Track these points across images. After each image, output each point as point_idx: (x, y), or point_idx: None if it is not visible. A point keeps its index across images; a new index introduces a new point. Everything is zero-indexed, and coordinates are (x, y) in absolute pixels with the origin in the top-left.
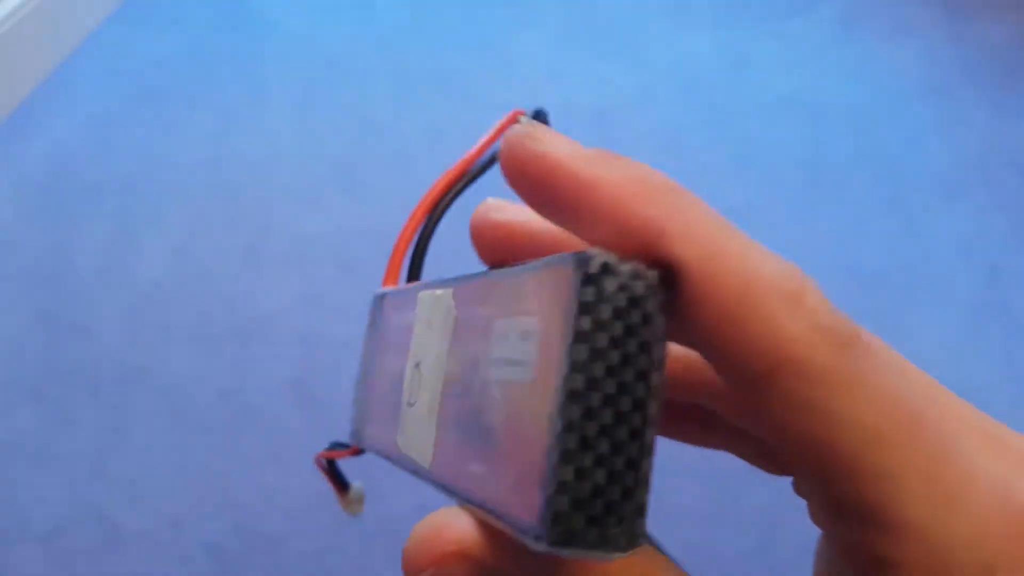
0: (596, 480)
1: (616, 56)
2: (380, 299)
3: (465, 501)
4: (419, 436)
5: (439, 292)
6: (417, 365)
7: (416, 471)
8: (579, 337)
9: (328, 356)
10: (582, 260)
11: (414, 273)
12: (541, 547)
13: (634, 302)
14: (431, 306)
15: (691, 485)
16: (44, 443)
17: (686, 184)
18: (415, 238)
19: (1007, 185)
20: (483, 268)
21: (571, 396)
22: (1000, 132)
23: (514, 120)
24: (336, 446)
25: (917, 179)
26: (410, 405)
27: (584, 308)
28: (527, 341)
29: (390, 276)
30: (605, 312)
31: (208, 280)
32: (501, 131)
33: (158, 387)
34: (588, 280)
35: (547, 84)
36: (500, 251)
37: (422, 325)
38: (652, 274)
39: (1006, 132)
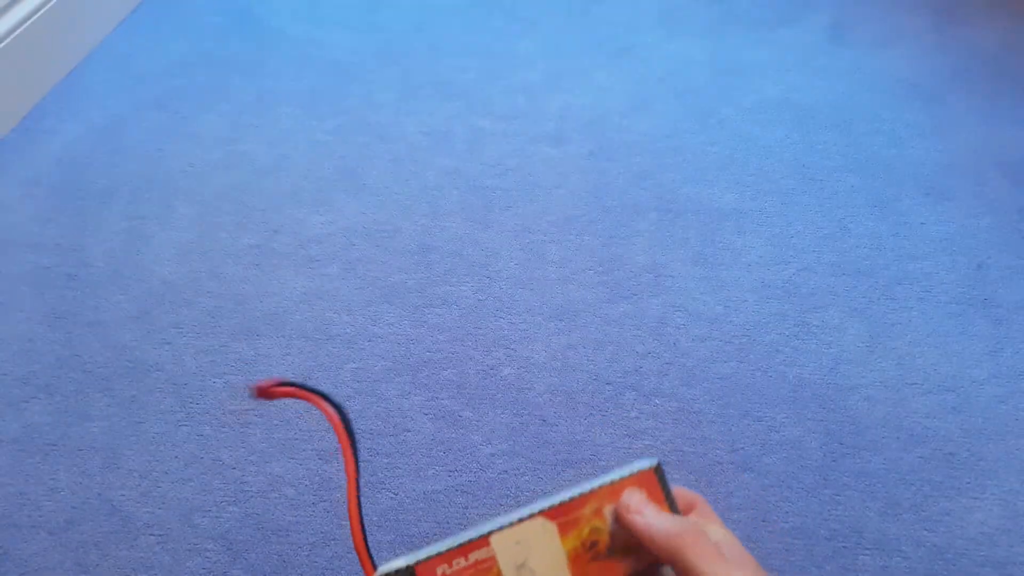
0: None
1: (612, 63)
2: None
3: None
4: None
5: (531, 524)
6: (520, 566)
7: None
8: (668, 494)
9: (332, 352)
10: (657, 465)
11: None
12: None
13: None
14: (523, 534)
15: (681, 479)
16: (57, 437)
17: (681, 186)
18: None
19: (993, 186)
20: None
21: None
22: (986, 135)
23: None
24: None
25: (906, 181)
26: None
27: (664, 482)
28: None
29: (367, 565)
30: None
31: (217, 279)
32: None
33: (169, 382)
34: (660, 471)
35: (545, 90)
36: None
37: (515, 545)
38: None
39: (992, 135)
